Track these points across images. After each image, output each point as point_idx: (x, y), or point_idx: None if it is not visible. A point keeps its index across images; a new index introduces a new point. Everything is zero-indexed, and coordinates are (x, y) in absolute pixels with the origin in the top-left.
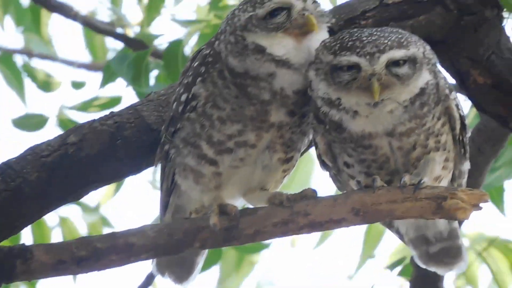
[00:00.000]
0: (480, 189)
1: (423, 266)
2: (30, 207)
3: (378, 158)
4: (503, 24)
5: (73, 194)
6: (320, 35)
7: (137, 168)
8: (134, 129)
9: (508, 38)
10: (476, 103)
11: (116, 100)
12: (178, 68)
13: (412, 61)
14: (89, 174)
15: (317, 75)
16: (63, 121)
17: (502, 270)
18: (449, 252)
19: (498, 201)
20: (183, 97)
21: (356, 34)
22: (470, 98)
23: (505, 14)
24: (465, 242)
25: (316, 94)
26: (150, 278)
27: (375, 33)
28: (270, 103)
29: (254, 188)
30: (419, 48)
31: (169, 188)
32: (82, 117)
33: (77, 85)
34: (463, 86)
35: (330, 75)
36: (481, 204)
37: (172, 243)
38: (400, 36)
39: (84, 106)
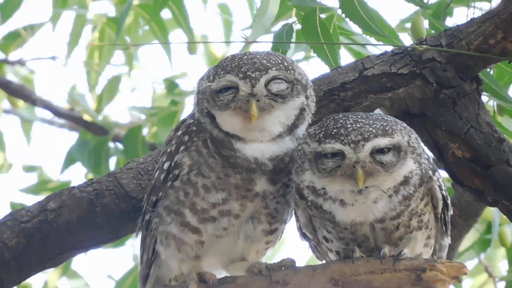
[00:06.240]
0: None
1: None
2: (9, 272)
3: (357, 237)
4: (481, 98)
5: (51, 260)
6: (275, 116)
7: (115, 236)
8: (113, 196)
9: (487, 112)
10: (453, 176)
11: (66, 185)
12: (138, 153)
13: (396, 149)
14: (67, 240)
15: (301, 169)
16: (14, 206)
17: None
18: None
19: None
20: (166, 165)
21: (340, 121)
22: (447, 170)
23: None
24: None
25: (303, 185)
26: None
27: (360, 120)
28: (255, 171)
29: (235, 260)
30: (404, 136)
31: (149, 259)
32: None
33: (29, 168)
34: (441, 159)
35: (315, 163)
36: (460, 276)
37: None
38: (385, 123)
39: (35, 189)
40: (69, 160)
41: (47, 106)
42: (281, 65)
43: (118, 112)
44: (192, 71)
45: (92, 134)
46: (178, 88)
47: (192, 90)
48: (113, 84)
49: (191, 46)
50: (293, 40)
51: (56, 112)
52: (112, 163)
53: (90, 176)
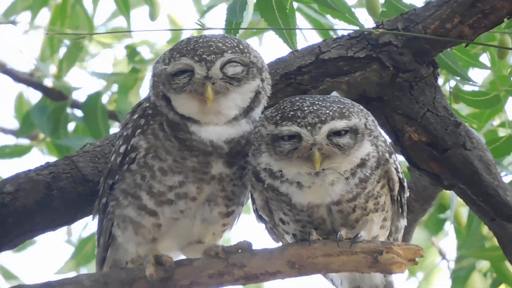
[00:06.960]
0: None
1: None
2: None
3: (314, 219)
4: (438, 82)
5: (8, 243)
6: (231, 99)
7: (71, 219)
8: (70, 179)
9: (443, 95)
10: (410, 160)
11: (27, 149)
12: (97, 120)
13: (353, 131)
14: (24, 223)
15: (258, 152)
16: None
17: None
18: None
19: None
20: (122, 149)
21: (297, 104)
22: (404, 155)
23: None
24: None
25: (259, 168)
26: None
27: (316, 102)
28: (211, 154)
29: (192, 242)
30: (361, 118)
31: (106, 243)
32: None
33: None
34: (398, 142)
35: (271, 145)
36: (416, 259)
37: None
38: (342, 106)
39: None
40: (27, 125)
41: (7, 71)
42: (237, 48)
43: (79, 79)
44: (154, 39)
45: (51, 100)
46: (139, 56)
47: (153, 58)
48: (74, 51)
49: (153, 13)
50: (249, 14)
51: (16, 77)
52: (71, 129)
53: (49, 141)
